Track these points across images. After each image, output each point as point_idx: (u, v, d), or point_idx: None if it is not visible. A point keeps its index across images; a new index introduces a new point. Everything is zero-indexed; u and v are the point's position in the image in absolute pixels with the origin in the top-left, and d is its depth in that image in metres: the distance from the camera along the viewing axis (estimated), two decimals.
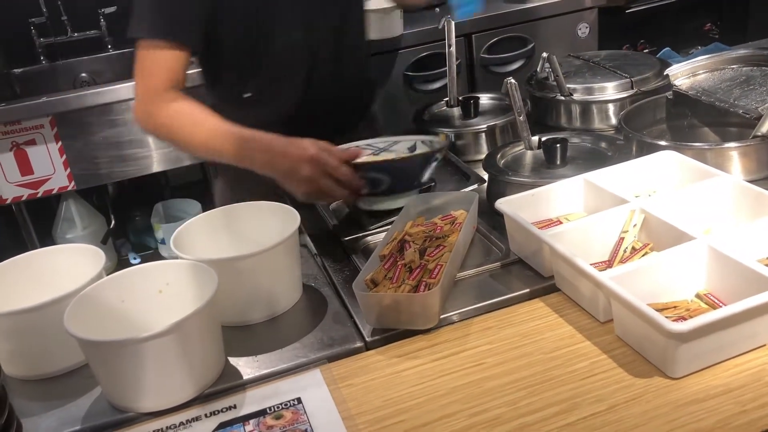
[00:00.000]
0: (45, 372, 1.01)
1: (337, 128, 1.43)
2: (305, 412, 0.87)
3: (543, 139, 1.30)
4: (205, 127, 1.27)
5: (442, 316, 1.00)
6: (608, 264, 1.01)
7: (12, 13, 2.89)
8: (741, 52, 1.49)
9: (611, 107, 1.52)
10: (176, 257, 1.03)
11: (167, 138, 1.35)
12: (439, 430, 0.82)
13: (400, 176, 1.24)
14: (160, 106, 1.32)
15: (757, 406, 0.78)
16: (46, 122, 2.55)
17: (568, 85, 1.54)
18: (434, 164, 1.27)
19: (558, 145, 1.25)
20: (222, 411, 0.90)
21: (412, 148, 1.40)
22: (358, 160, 1.22)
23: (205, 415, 0.89)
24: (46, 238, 2.86)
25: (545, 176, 1.22)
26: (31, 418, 0.93)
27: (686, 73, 1.47)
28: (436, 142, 1.37)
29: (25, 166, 2.59)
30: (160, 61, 1.33)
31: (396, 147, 1.41)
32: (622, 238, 1.03)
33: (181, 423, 0.89)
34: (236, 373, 0.96)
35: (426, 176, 1.27)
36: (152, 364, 0.87)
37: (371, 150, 1.40)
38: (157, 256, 3.03)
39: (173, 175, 3.20)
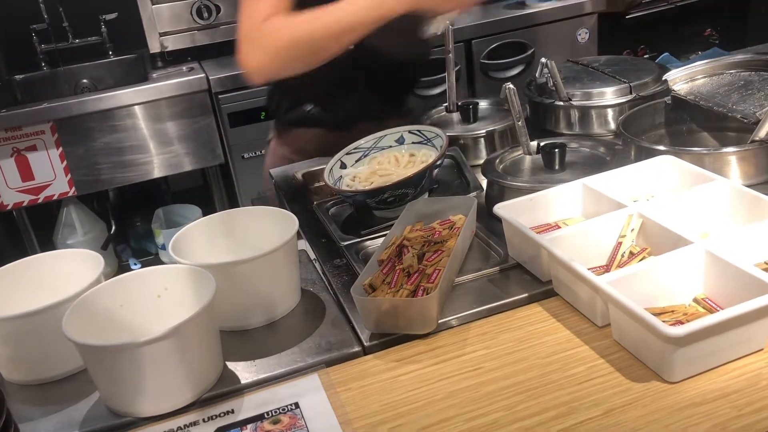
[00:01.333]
0: (43, 377, 1.01)
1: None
2: (303, 416, 0.87)
3: (542, 144, 1.30)
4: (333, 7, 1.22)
5: (440, 321, 1.00)
6: (606, 268, 1.01)
7: (13, 20, 2.91)
8: (739, 57, 1.49)
9: (610, 112, 1.52)
10: (175, 262, 1.04)
11: (295, 36, 1.23)
12: None
13: (418, 184, 1.26)
14: (269, 21, 1.24)
15: (753, 410, 0.78)
16: (47, 128, 2.56)
17: (566, 91, 1.54)
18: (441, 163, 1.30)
19: (557, 150, 1.26)
20: (220, 415, 0.90)
21: (400, 140, 1.42)
22: (380, 184, 1.25)
23: (203, 420, 0.90)
24: (47, 243, 2.87)
25: (544, 181, 1.22)
26: (29, 422, 0.94)
27: (684, 78, 1.47)
28: (424, 131, 1.39)
29: (26, 172, 2.60)
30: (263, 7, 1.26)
31: (382, 142, 1.42)
32: (620, 243, 1.03)
33: (179, 427, 0.89)
34: (234, 378, 0.96)
35: (434, 177, 1.31)
36: (150, 369, 0.87)
37: (360, 152, 1.41)
38: (157, 262, 3.04)
39: (174, 180, 3.21)
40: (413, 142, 1.41)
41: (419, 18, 1.24)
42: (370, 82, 1.59)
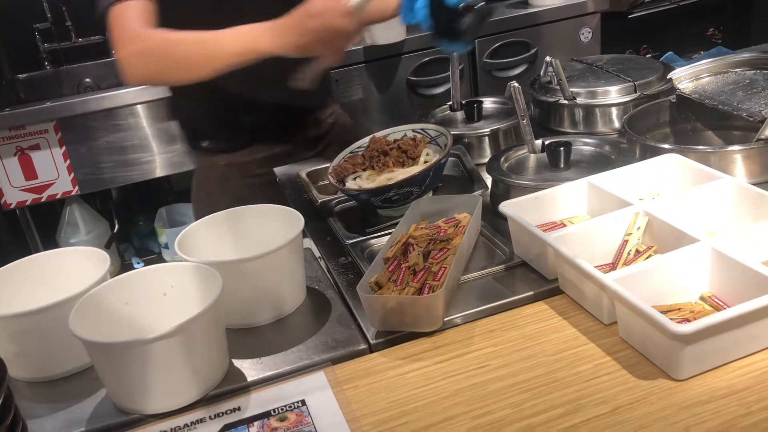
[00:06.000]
0: (50, 374, 1.01)
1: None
2: (309, 414, 0.87)
3: (547, 142, 1.30)
4: (213, 30, 1.24)
5: (446, 319, 1.00)
6: (612, 266, 1.01)
7: (17, 19, 2.91)
8: (744, 55, 1.49)
9: (615, 111, 1.52)
10: (180, 260, 1.04)
11: (166, 55, 1.28)
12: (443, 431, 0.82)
13: (422, 182, 1.26)
14: (146, 33, 1.28)
15: (761, 408, 0.77)
16: (51, 127, 2.56)
17: (571, 89, 1.54)
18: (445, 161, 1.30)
19: (562, 149, 1.25)
20: (226, 413, 0.90)
21: None
22: (384, 183, 1.26)
23: (210, 417, 0.90)
24: (50, 242, 2.87)
25: (549, 179, 1.22)
26: (36, 419, 0.94)
27: (689, 76, 1.47)
28: (429, 130, 1.39)
29: (29, 171, 2.60)
30: (132, 13, 1.30)
31: None
32: (626, 241, 1.03)
33: (186, 425, 0.89)
34: (240, 375, 0.97)
35: (439, 175, 1.30)
36: (157, 366, 0.87)
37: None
38: (160, 261, 3.04)
39: (176, 179, 3.20)
40: None
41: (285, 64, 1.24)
42: (256, 109, 1.61)
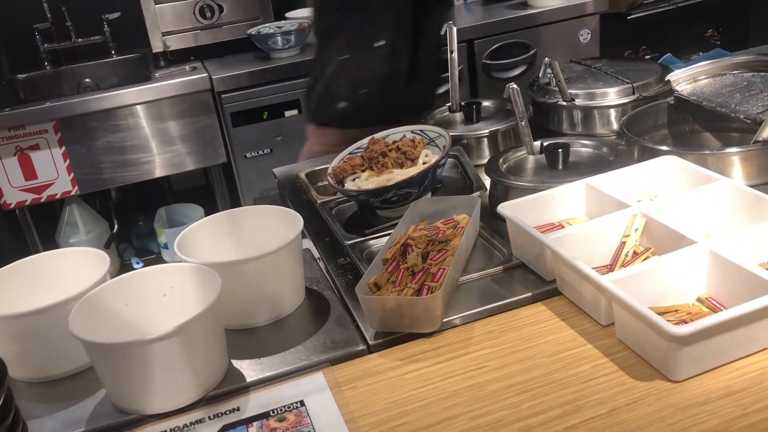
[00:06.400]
0: (49, 374, 1.02)
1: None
2: (308, 414, 0.88)
3: (545, 144, 1.31)
4: None
5: (444, 320, 1.00)
6: (610, 268, 1.02)
7: (16, 19, 2.91)
8: (742, 57, 1.50)
9: (613, 112, 1.53)
10: (180, 261, 1.04)
11: None
12: None
13: (421, 183, 1.27)
14: None
15: (757, 409, 0.78)
16: (50, 127, 2.57)
17: (569, 91, 1.54)
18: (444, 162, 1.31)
19: (560, 150, 1.26)
20: (225, 413, 0.90)
21: None
22: (383, 184, 1.26)
23: (209, 418, 0.90)
24: (49, 242, 2.88)
25: (547, 181, 1.22)
26: (36, 420, 0.94)
27: (687, 78, 1.47)
28: (427, 131, 1.40)
29: (29, 171, 2.61)
30: None
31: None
32: (624, 242, 1.03)
33: (185, 425, 0.89)
34: (240, 376, 0.97)
35: (437, 176, 1.31)
36: (156, 367, 0.87)
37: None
38: (159, 261, 3.04)
39: (176, 180, 3.21)
40: None
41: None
42: (397, 84, 1.68)
